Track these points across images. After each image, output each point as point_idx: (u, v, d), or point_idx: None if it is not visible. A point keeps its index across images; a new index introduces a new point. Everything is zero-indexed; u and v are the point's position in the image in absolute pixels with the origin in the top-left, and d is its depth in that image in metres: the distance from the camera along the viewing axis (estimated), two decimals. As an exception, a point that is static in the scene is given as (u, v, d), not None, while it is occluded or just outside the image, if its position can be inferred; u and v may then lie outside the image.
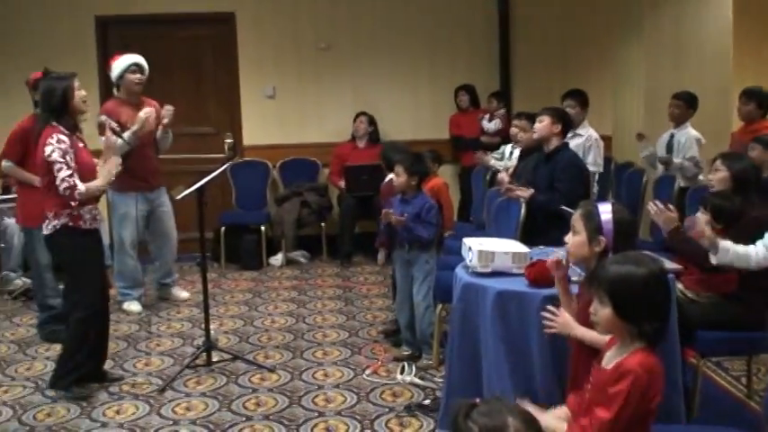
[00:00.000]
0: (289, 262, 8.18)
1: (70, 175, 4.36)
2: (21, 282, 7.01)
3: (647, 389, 2.45)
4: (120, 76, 6.21)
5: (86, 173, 4.50)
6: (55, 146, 4.37)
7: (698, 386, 4.03)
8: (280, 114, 8.64)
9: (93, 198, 4.58)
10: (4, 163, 5.68)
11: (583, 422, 2.53)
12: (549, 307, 3.09)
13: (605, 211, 3.10)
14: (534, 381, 3.52)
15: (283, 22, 8.52)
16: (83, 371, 4.67)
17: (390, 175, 5.36)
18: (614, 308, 2.51)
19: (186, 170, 7.32)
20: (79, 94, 4.53)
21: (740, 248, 3.74)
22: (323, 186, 8.51)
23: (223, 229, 8.12)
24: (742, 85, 6.57)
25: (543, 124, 5.28)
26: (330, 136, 8.56)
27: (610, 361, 2.59)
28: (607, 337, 2.73)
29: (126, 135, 5.62)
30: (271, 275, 7.76)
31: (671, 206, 4.16)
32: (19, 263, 7.06)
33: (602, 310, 2.55)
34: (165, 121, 6.30)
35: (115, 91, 6.40)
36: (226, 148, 7.06)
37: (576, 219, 3.15)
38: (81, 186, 4.39)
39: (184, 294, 6.84)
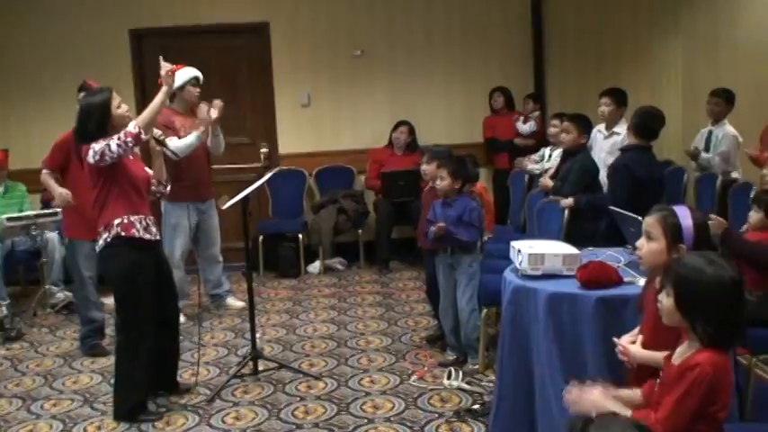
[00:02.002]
0: (326, 269, 8.19)
1: (118, 138, 4.21)
2: (63, 295, 7.05)
3: (712, 385, 2.42)
4: (181, 87, 6.26)
5: (136, 184, 4.44)
6: (94, 145, 4.23)
7: (750, 384, 3.98)
8: (315, 122, 8.66)
9: (144, 207, 4.47)
10: (44, 171, 5.66)
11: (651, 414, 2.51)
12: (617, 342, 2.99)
13: (685, 216, 2.99)
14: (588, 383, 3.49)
15: (317, 31, 8.54)
16: (141, 395, 4.56)
17: (431, 183, 5.35)
18: (675, 299, 2.52)
19: (223, 180, 7.39)
20: (120, 108, 4.41)
21: None
22: (359, 193, 8.51)
23: (261, 237, 8.15)
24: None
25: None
26: (365, 142, 8.56)
27: (679, 356, 2.58)
28: (662, 354, 2.72)
29: (171, 144, 5.63)
30: (309, 283, 7.77)
31: (711, 215, 4.14)
32: (60, 276, 7.11)
33: (666, 300, 2.56)
34: (215, 115, 6.28)
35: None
36: (261, 157, 7.10)
37: (653, 224, 3.03)
38: (131, 126, 4.25)
39: (240, 304, 6.83)
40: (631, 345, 2.94)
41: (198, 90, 6.35)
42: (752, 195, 5.33)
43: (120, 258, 4.39)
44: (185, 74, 6.25)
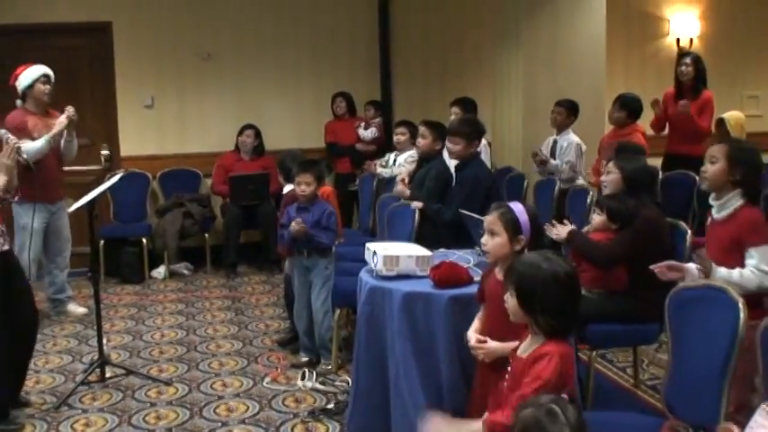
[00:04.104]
0: (172, 274, 8.04)
1: None
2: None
3: (562, 371, 2.59)
4: (30, 86, 6.06)
5: None
6: None
7: (591, 377, 4.24)
8: (159, 125, 8.48)
9: None
10: None
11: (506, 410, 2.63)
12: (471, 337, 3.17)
13: (520, 210, 3.28)
14: (441, 377, 3.64)
15: (163, 32, 8.36)
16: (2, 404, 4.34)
17: (289, 187, 5.39)
18: (517, 297, 2.69)
19: (64, 183, 7.13)
20: None
21: (735, 275, 3.58)
22: (205, 197, 8.40)
23: (102, 242, 7.91)
24: (612, 91, 6.92)
25: (459, 147, 5.31)
26: (212, 146, 8.47)
27: (525, 350, 2.73)
28: (515, 344, 2.88)
29: (25, 147, 5.39)
30: (154, 288, 7.62)
31: (555, 221, 4.44)
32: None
33: (510, 300, 2.73)
34: (64, 121, 6.07)
35: (19, 102, 6.19)
36: (102, 159, 6.91)
37: (494, 221, 3.28)
38: None
39: (81, 310, 6.63)
40: (485, 340, 3.10)
41: (48, 87, 6.14)
42: (588, 200, 5.69)
43: None
44: (33, 72, 6.09)
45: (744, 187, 3.70)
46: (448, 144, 5.45)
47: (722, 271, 3.57)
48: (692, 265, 3.69)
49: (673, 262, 3.72)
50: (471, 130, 5.38)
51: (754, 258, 3.58)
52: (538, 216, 3.40)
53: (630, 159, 4.66)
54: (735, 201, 3.70)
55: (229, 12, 8.51)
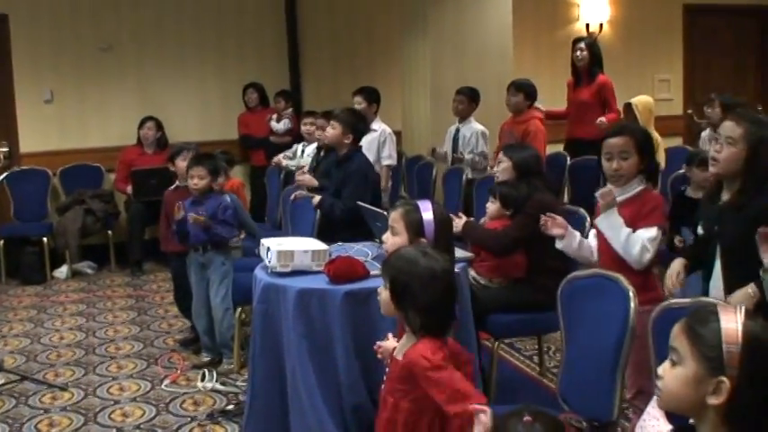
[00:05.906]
0: (74, 274, 7.77)
1: None
2: None
3: (439, 366, 2.46)
4: None
5: None
6: None
7: (494, 367, 4.18)
8: (59, 119, 8.17)
9: None
10: None
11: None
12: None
13: (426, 210, 3.13)
14: (338, 376, 3.53)
15: (61, 24, 8.06)
16: None
17: (176, 183, 5.24)
18: (390, 291, 2.57)
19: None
20: None
21: (626, 231, 3.54)
22: (108, 192, 8.14)
23: (2, 242, 7.63)
24: (522, 77, 6.90)
25: (335, 132, 5.29)
26: (115, 140, 8.20)
27: (400, 350, 2.63)
28: None
29: None
30: (56, 289, 7.35)
31: (460, 214, 4.38)
32: None
33: (383, 293, 2.62)
34: None
35: None
36: (1, 156, 6.61)
37: (396, 219, 3.15)
38: None
39: None
40: (386, 342, 2.92)
41: None
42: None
43: None
44: None
45: (645, 173, 3.67)
46: (328, 130, 5.41)
47: (619, 220, 3.53)
48: (576, 233, 3.73)
49: (562, 219, 3.72)
50: (355, 120, 5.38)
51: (649, 233, 3.49)
52: (447, 219, 3.26)
53: (519, 147, 4.69)
54: (636, 185, 3.62)
55: (129, 1, 8.23)
